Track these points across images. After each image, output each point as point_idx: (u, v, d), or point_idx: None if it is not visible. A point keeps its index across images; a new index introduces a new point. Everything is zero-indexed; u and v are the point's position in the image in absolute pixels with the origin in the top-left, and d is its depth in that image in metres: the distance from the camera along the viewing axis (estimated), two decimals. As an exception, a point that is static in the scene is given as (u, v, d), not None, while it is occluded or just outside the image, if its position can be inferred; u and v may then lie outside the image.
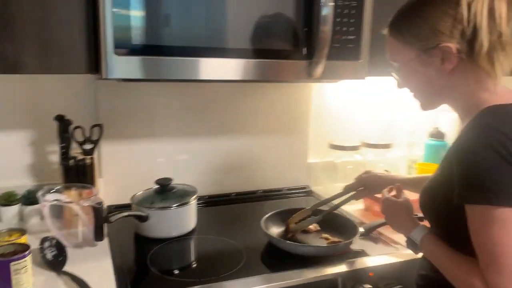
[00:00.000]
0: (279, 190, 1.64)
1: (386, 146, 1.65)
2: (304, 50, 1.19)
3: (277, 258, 1.13)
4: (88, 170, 1.26)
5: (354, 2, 1.21)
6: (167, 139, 1.49)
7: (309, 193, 1.66)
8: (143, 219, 1.19)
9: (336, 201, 1.27)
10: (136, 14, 1.02)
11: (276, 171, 1.65)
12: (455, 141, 0.81)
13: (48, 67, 1.03)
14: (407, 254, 1.14)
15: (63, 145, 1.24)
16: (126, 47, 1.03)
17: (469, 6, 0.76)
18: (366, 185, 1.24)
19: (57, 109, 1.30)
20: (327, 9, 1.12)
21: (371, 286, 1.05)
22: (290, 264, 1.08)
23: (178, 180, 1.34)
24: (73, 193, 1.21)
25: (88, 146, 1.29)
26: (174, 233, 1.25)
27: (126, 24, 1.02)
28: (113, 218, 1.11)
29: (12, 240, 0.99)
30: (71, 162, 1.24)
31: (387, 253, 1.16)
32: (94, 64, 1.06)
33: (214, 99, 1.53)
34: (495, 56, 0.77)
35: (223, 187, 1.57)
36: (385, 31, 0.91)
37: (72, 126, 1.25)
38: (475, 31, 0.76)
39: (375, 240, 1.25)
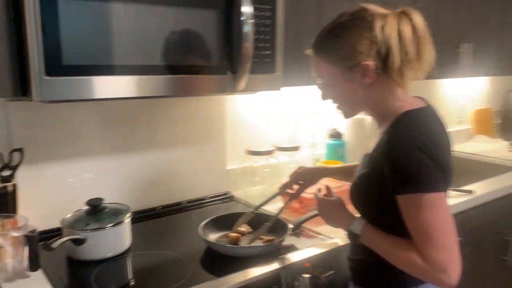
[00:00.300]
0: (202, 199, 1.70)
1: (295, 149, 1.82)
2: (228, 66, 1.28)
3: (219, 263, 1.20)
4: (9, 199, 1.18)
5: (268, 20, 1.33)
6: (90, 157, 1.44)
7: (230, 198, 1.75)
8: (80, 242, 1.16)
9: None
10: (65, 34, 1.01)
11: (197, 180, 1.70)
12: (379, 142, 0.97)
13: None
14: (332, 243, 1.30)
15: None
16: (57, 69, 1.00)
17: (382, 29, 0.93)
18: (302, 179, 1.36)
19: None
20: (247, 27, 1.23)
21: (309, 275, 1.18)
22: (233, 267, 1.15)
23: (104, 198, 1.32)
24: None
25: (6, 173, 1.20)
26: (111, 253, 1.23)
27: (56, 45, 1.00)
28: (55, 245, 1.06)
29: None
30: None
31: (315, 245, 1.30)
32: (22, 87, 1.01)
33: (134, 114, 1.52)
34: (404, 71, 0.94)
35: (148, 202, 1.58)
36: (309, 52, 1.05)
37: (-12, 153, 1.16)
38: (388, 50, 0.93)
39: (300, 234, 1.38)
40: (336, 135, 1.93)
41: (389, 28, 0.92)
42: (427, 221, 0.89)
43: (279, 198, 1.45)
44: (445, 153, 0.96)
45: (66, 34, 1.00)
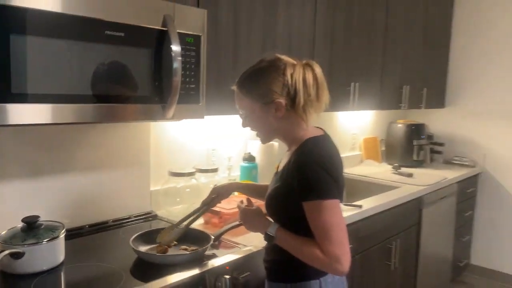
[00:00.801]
0: (128, 217, 1.82)
1: (214, 170, 2.03)
2: (158, 96, 1.47)
3: (150, 271, 1.34)
4: None
5: (193, 59, 1.56)
6: (16, 180, 1.52)
7: (154, 217, 1.89)
8: (19, 256, 1.24)
9: (194, 216, 1.56)
10: (17, 68, 1.13)
11: (122, 201, 1.83)
12: (288, 162, 1.23)
13: None
14: (247, 249, 1.52)
15: None
16: (8, 97, 1.12)
17: (291, 75, 1.20)
18: (218, 193, 1.56)
19: None
20: (176, 63, 1.44)
21: (229, 276, 1.38)
22: (163, 273, 1.31)
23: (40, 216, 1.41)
24: None
25: None
26: (46, 266, 1.32)
27: (5, 77, 1.11)
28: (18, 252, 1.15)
29: None
30: None
31: (233, 252, 1.51)
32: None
33: (60, 138, 1.63)
34: (307, 108, 1.22)
35: (75, 221, 1.66)
36: (234, 88, 1.29)
37: None
38: (295, 92, 1.20)
39: (219, 246, 1.58)
40: (249, 158, 2.19)
41: (297, 74, 1.20)
42: (326, 222, 1.15)
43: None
44: (338, 170, 1.24)
45: (16, 66, 1.12)
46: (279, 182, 1.26)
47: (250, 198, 1.48)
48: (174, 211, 1.92)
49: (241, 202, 1.44)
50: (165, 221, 1.85)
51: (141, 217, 1.86)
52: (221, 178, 2.12)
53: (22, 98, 1.15)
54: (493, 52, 3.42)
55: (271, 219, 1.32)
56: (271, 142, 2.17)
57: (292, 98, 1.22)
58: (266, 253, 1.37)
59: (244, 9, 1.84)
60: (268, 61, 1.25)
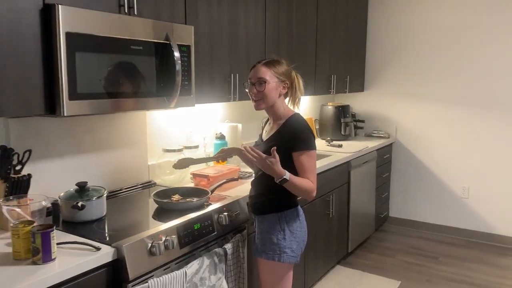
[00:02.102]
0: (135, 185, 2.36)
1: (195, 147, 2.61)
2: (163, 91, 2.03)
3: (168, 215, 1.90)
4: (25, 184, 1.72)
5: (186, 63, 2.13)
6: (67, 156, 2.01)
7: (153, 184, 2.44)
8: (81, 208, 1.76)
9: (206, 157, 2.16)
10: (81, 75, 1.65)
11: (130, 172, 2.36)
12: (278, 130, 1.87)
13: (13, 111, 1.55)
14: (235, 197, 2.14)
15: (9, 166, 1.66)
16: (74, 96, 1.64)
17: (295, 74, 1.89)
18: (225, 151, 2.06)
19: (-13, 142, 1.69)
20: (178, 66, 2.01)
21: (226, 213, 1.99)
22: (179, 216, 1.89)
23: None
24: (21, 200, 1.66)
25: (18, 167, 1.73)
26: (95, 217, 1.84)
27: (73, 82, 1.63)
28: (82, 206, 1.67)
29: (35, 225, 1.45)
30: (14, 178, 1.68)
31: (225, 199, 2.12)
32: (50, 109, 1.61)
33: (96, 125, 2.13)
34: (296, 95, 1.89)
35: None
36: (259, 65, 1.89)
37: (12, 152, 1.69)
38: (295, 85, 1.86)
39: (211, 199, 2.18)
40: (221, 137, 2.79)
41: (296, 74, 1.93)
42: (312, 163, 1.82)
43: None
44: (313, 135, 1.91)
45: (79, 74, 1.64)
46: (272, 142, 1.85)
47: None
48: (168, 180, 2.48)
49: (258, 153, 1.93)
50: (161, 186, 2.40)
51: (145, 185, 2.41)
52: (200, 153, 2.71)
53: (84, 96, 1.68)
54: (401, 46, 4.29)
55: (256, 169, 1.95)
56: (235, 124, 2.83)
57: (292, 86, 1.92)
58: (255, 197, 1.98)
59: (215, 23, 2.43)
60: (282, 60, 1.95)
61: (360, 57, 4.42)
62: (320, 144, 3.86)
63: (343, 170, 3.37)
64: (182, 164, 2.06)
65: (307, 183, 1.82)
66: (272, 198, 1.91)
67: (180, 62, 2.02)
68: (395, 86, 4.37)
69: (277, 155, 1.75)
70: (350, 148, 3.65)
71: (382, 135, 4.34)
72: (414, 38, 4.20)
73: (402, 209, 4.48)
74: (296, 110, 1.99)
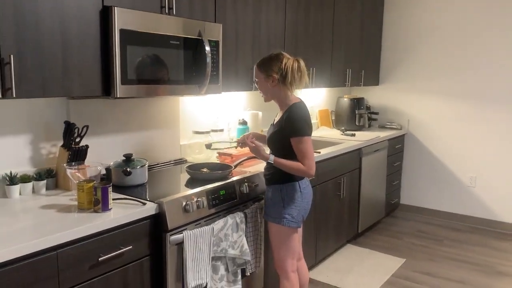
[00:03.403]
0: (169, 161, 2.74)
1: (221, 130, 2.97)
2: (195, 80, 2.39)
3: (199, 184, 2.26)
4: (83, 153, 2.11)
5: (215, 55, 2.48)
6: (114, 133, 2.40)
7: (185, 161, 2.82)
8: (128, 173, 2.14)
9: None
10: (130, 64, 2.02)
11: (166, 150, 2.74)
12: (282, 116, 2.19)
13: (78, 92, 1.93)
14: (254, 171, 2.49)
15: (71, 138, 2.05)
16: (125, 81, 2.01)
17: (285, 64, 2.16)
18: (246, 136, 2.42)
19: (43, 118, 2.09)
20: (208, 59, 2.36)
21: (246, 184, 2.34)
22: (208, 184, 2.25)
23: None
24: (81, 166, 2.04)
25: (78, 139, 2.12)
26: (139, 182, 2.22)
27: (125, 70, 2.01)
28: (128, 172, 2.06)
29: (95, 182, 1.84)
30: (75, 148, 2.07)
31: (246, 173, 2.47)
32: (106, 91, 1.99)
33: (138, 107, 2.51)
34: (293, 85, 2.18)
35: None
36: (255, 66, 2.23)
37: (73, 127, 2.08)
38: (286, 73, 2.16)
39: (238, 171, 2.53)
40: (243, 123, 3.14)
41: (289, 64, 2.16)
42: (305, 148, 2.13)
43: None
44: (310, 122, 2.22)
45: (129, 63, 2.01)
46: (276, 128, 2.22)
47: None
48: (197, 158, 2.85)
49: (253, 142, 2.35)
50: (191, 163, 2.77)
51: (177, 161, 2.78)
52: (224, 136, 3.07)
53: (133, 81, 2.05)
54: (415, 44, 4.55)
55: (269, 152, 2.29)
56: (256, 112, 3.18)
57: (284, 77, 2.18)
58: (266, 170, 2.33)
59: (241, 21, 2.77)
60: (275, 54, 2.21)
61: (376, 53, 4.69)
62: (335, 133, 4.18)
63: (355, 157, 3.68)
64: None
65: (294, 165, 2.14)
66: (275, 172, 2.25)
67: (210, 55, 2.37)
68: (408, 81, 4.63)
69: (256, 142, 2.23)
70: (363, 137, 3.95)
71: (395, 127, 4.62)
72: (427, 36, 4.45)
73: (412, 197, 4.75)
74: (300, 96, 2.30)
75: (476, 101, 4.25)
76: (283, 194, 2.22)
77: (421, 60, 4.53)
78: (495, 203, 4.27)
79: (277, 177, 2.26)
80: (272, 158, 2.20)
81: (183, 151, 2.87)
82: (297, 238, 2.31)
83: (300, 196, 2.23)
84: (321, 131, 4.28)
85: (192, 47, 2.34)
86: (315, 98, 4.39)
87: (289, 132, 2.15)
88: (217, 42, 2.48)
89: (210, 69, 2.38)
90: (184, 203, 1.99)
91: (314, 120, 4.37)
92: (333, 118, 4.57)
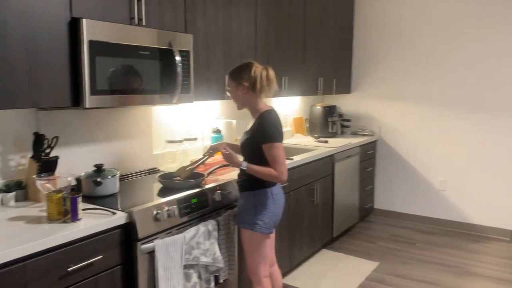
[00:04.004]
0: (142, 171, 2.74)
1: (194, 139, 2.99)
2: (167, 89, 2.41)
3: (171, 192, 2.28)
4: (53, 164, 2.10)
5: (186, 65, 2.51)
6: (83, 143, 2.39)
7: (158, 171, 2.83)
8: (99, 184, 2.14)
9: (199, 162, 2.53)
10: (100, 75, 2.04)
11: (139, 160, 2.74)
12: (253, 125, 2.24)
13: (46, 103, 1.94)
14: (227, 179, 2.52)
15: (41, 149, 2.05)
16: (95, 92, 2.02)
17: (254, 72, 2.21)
18: (213, 148, 2.46)
19: (12, 129, 2.08)
20: (179, 68, 2.39)
21: (219, 191, 2.37)
22: (180, 192, 2.27)
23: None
24: (51, 177, 2.04)
25: (48, 150, 2.12)
26: (110, 192, 2.23)
27: (94, 81, 2.02)
28: (99, 182, 2.05)
29: (64, 193, 1.83)
30: (44, 159, 2.06)
31: (219, 180, 2.50)
32: (75, 101, 2.00)
33: (107, 117, 2.52)
34: (262, 92, 2.24)
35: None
36: (227, 75, 2.28)
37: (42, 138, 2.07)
38: (255, 81, 2.21)
39: (206, 181, 2.56)
40: (217, 131, 3.17)
41: (258, 72, 2.22)
42: (276, 154, 2.18)
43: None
44: (281, 128, 2.27)
45: (99, 74, 2.03)
46: (248, 135, 2.27)
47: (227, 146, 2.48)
48: (170, 168, 2.86)
49: (226, 150, 2.41)
50: (164, 172, 2.78)
51: (150, 171, 2.79)
52: (198, 145, 3.09)
53: (103, 92, 2.06)
54: (384, 52, 4.67)
55: (242, 158, 2.33)
56: (230, 120, 3.21)
57: (253, 85, 2.23)
58: (239, 177, 2.37)
59: (212, 32, 2.82)
60: (245, 63, 2.28)
61: (347, 62, 4.80)
62: (309, 140, 4.25)
63: (328, 163, 3.75)
64: (185, 172, 2.47)
65: (266, 171, 2.20)
66: (247, 179, 2.29)
67: (181, 65, 2.40)
68: (379, 88, 4.75)
69: (229, 150, 2.28)
70: (335, 143, 4.03)
71: (367, 133, 4.72)
72: (395, 44, 4.59)
73: (386, 201, 4.85)
74: (271, 104, 2.37)
75: (444, 106, 4.39)
76: (255, 201, 2.25)
77: (390, 67, 4.65)
78: (466, 206, 4.40)
79: (249, 184, 2.30)
80: (244, 164, 2.24)
81: (156, 160, 2.88)
82: (270, 244, 2.35)
83: (272, 202, 2.27)
84: (295, 139, 4.34)
85: (162, 57, 2.37)
86: (289, 106, 4.46)
87: (260, 138, 2.19)
88: (188, 52, 2.52)
89: (181, 78, 2.41)
90: (154, 212, 2.00)
91: (288, 128, 4.43)
92: (307, 125, 4.65)
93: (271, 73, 2.27)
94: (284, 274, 3.30)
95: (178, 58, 2.39)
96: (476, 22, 4.14)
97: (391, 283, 3.29)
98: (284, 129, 4.32)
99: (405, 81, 4.58)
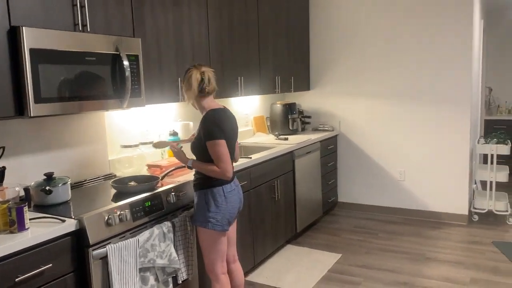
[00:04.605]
0: (98, 177, 2.73)
1: (150, 143, 3.00)
2: (117, 94, 2.41)
3: (125, 197, 2.29)
4: (0, 175, 2.07)
5: (135, 69, 2.52)
6: (35, 152, 2.36)
7: (114, 176, 2.81)
8: (49, 192, 2.12)
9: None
10: (44, 82, 2.02)
11: (94, 167, 2.73)
12: (200, 123, 2.27)
13: None
14: (182, 181, 2.54)
15: (-14, 160, 2.01)
16: (39, 100, 2.01)
17: (191, 75, 2.26)
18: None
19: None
20: (127, 73, 2.40)
21: (174, 193, 2.39)
22: (135, 196, 2.28)
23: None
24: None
25: (-6, 161, 2.09)
26: (61, 200, 2.21)
27: (38, 89, 2.01)
28: (49, 191, 2.04)
29: (9, 203, 1.81)
30: (-9, 171, 2.03)
31: (173, 182, 2.51)
32: (19, 111, 1.98)
33: (59, 124, 2.49)
34: (201, 92, 2.28)
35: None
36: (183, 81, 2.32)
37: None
38: (192, 84, 2.26)
39: (163, 183, 2.57)
40: (174, 133, 3.18)
41: (194, 75, 2.28)
42: (219, 151, 2.22)
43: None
44: (227, 125, 2.31)
45: (43, 82, 2.01)
46: (196, 134, 2.31)
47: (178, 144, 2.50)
48: (127, 172, 2.86)
49: (174, 147, 2.43)
50: (120, 177, 2.78)
51: (106, 177, 2.78)
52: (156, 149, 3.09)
53: (48, 100, 2.05)
54: (340, 49, 4.78)
55: (190, 156, 2.37)
56: (187, 122, 3.23)
57: (193, 87, 2.30)
58: (194, 176, 2.40)
59: (162, 35, 2.83)
60: (187, 69, 2.35)
61: (304, 60, 4.89)
62: (270, 138, 4.31)
63: (288, 160, 3.81)
64: (160, 144, 2.62)
65: (209, 167, 2.27)
66: (200, 177, 2.35)
67: (129, 69, 2.41)
68: (337, 84, 4.85)
69: (177, 148, 2.40)
70: (295, 140, 4.10)
71: (327, 129, 4.82)
72: (349, 43, 4.70)
73: (349, 194, 4.96)
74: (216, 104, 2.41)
75: (400, 100, 4.53)
76: (207, 199, 2.29)
77: (346, 65, 4.77)
78: (424, 194, 4.55)
79: (202, 182, 2.34)
80: (190, 162, 2.33)
81: (113, 166, 2.87)
82: (225, 241, 2.38)
83: (224, 200, 2.31)
84: (256, 137, 4.39)
85: (110, 62, 2.36)
86: (250, 105, 4.50)
87: (204, 136, 2.25)
88: (136, 56, 2.52)
89: (130, 83, 2.41)
90: (106, 217, 2.00)
91: (249, 127, 4.48)
92: (269, 124, 4.70)
93: (208, 74, 2.35)
94: (248, 271, 3.34)
95: (125, 62, 2.39)
96: (414, 24, 4.30)
97: (352, 273, 3.38)
98: (245, 129, 4.39)
99: (359, 78, 4.71)
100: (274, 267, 3.51)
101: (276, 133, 4.39)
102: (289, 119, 4.55)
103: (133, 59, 2.50)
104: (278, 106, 4.59)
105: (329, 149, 4.68)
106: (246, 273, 3.30)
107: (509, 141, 4.41)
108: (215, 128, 2.24)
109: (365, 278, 3.30)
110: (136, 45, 2.53)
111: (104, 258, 1.97)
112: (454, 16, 4.18)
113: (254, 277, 3.34)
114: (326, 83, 4.92)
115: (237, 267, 2.61)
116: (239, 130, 4.17)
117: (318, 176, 4.43)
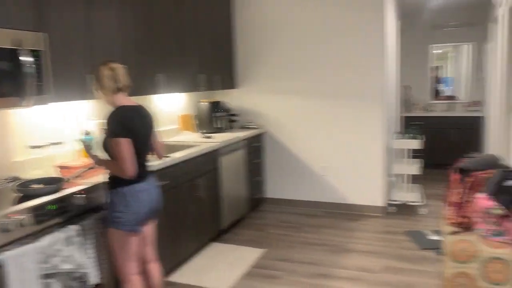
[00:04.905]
0: (4, 179, 2.56)
1: (59, 143, 2.86)
2: (20, 92, 2.28)
3: (32, 199, 2.18)
4: None
5: (38, 65, 2.38)
6: None
7: (19, 179, 2.65)
8: None
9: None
10: None
11: (-5, 169, 2.56)
12: (106, 120, 2.21)
13: None
14: (95, 181, 2.46)
15: None
16: None
17: (100, 72, 2.22)
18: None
19: None
20: (28, 69, 2.27)
21: (84, 195, 2.30)
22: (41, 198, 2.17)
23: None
24: None
25: None
26: None
27: None
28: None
29: None
30: None
31: (85, 183, 2.42)
32: None
33: None
34: (108, 89, 2.24)
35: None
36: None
37: None
38: (102, 80, 2.21)
39: (72, 184, 2.47)
40: (88, 134, 3.06)
41: (102, 71, 2.23)
42: (119, 149, 2.17)
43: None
44: (135, 125, 2.26)
45: None
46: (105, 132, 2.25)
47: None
48: (35, 175, 2.71)
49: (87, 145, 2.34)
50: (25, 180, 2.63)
51: (9, 180, 2.60)
52: (67, 149, 2.96)
53: None
54: (265, 47, 4.85)
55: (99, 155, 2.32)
56: (102, 121, 3.12)
57: (101, 84, 2.26)
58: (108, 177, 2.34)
59: (71, 30, 2.70)
60: (99, 65, 2.30)
61: (229, 58, 4.90)
62: (195, 136, 4.28)
63: (212, 158, 3.81)
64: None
65: (113, 165, 2.25)
66: (111, 177, 2.30)
67: (29, 65, 2.28)
68: (263, 83, 4.93)
69: (89, 145, 2.41)
70: (220, 138, 4.10)
71: (254, 126, 4.88)
72: (272, 43, 4.79)
73: (275, 190, 5.06)
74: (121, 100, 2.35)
75: (321, 98, 4.69)
76: (116, 198, 2.25)
77: (270, 64, 4.85)
78: (343, 188, 4.75)
79: (111, 181, 2.30)
80: (96, 159, 2.32)
81: (18, 168, 2.71)
82: (136, 241, 2.34)
83: (133, 200, 2.26)
84: (182, 136, 4.34)
85: (9, 58, 2.23)
86: (176, 103, 4.44)
87: (107, 134, 2.22)
88: (39, 52, 2.40)
89: (31, 80, 2.29)
90: (1, 223, 1.89)
91: (175, 126, 4.42)
92: (197, 122, 4.67)
93: (117, 70, 2.30)
94: (169, 271, 3.30)
95: (25, 58, 2.27)
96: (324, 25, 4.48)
97: (274, 268, 3.45)
98: (171, 127, 4.32)
99: (282, 76, 4.81)
100: (197, 266, 3.50)
101: (203, 131, 4.37)
102: (214, 117, 4.54)
103: (36, 54, 2.37)
104: (204, 104, 4.58)
105: (255, 147, 4.74)
106: (167, 273, 3.26)
107: (420, 136, 4.71)
108: (118, 126, 2.20)
109: (287, 272, 3.38)
110: (40, 40, 2.40)
111: (1, 267, 1.86)
112: (366, 18, 4.39)
113: (176, 277, 3.31)
114: (252, 81, 4.98)
115: (154, 267, 2.58)
116: (165, 128, 4.13)
117: (244, 173, 4.47)
